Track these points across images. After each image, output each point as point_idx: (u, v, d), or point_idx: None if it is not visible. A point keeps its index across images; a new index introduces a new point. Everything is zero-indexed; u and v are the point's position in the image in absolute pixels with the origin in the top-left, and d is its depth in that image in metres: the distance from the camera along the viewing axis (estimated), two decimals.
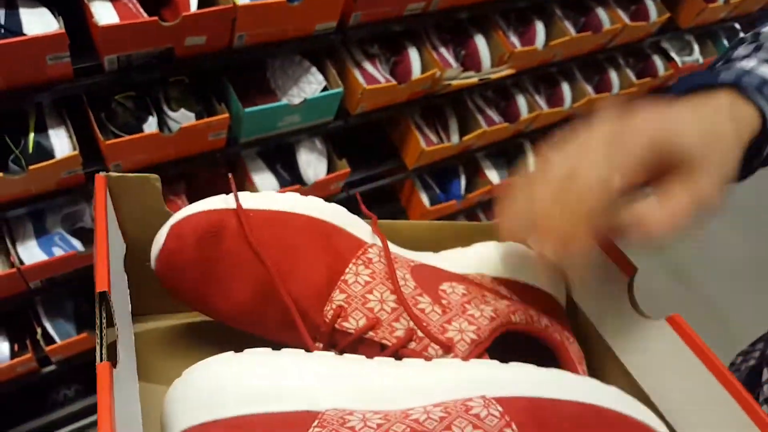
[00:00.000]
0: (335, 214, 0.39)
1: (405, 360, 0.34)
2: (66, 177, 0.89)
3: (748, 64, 0.38)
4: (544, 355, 0.40)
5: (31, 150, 0.88)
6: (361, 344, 0.37)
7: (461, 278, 0.40)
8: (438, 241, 0.45)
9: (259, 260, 0.37)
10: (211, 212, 0.37)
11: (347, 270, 0.37)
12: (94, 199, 0.38)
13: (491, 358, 0.36)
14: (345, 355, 0.33)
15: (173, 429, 0.31)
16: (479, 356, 0.36)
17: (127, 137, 0.89)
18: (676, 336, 0.37)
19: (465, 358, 0.35)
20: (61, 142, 0.89)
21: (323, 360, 0.32)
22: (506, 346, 0.38)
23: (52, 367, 1.09)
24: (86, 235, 1.00)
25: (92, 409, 1.21)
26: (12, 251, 0.93)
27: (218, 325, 0.41)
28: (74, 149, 0.89)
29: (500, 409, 0.30)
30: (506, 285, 0.41)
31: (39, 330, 1.04)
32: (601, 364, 0.44)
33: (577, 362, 0.39)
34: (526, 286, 0.42)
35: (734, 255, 1.83)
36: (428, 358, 0.35)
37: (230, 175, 0.40)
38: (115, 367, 0.28)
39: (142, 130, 0.93)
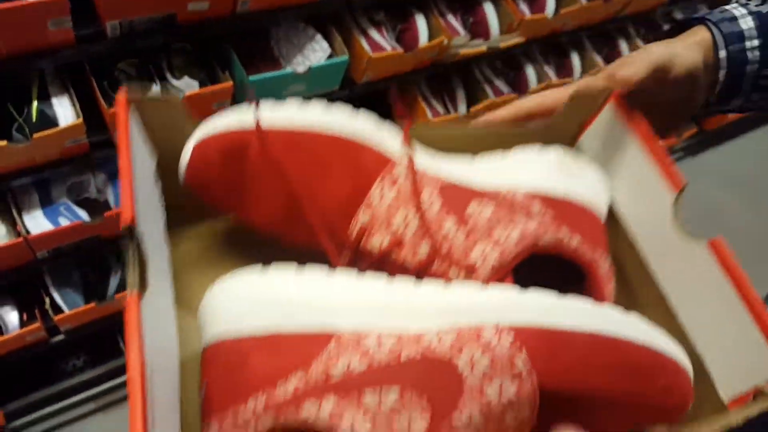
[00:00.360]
0: (363, 129, 0.38)
1: (425, 281, 0.34)
2: (70, 146, 0.89)
3: (732, 7, 0.44)
4: (572, 273, 0.39)
5: (34, 118, 0.88)
6: (385, 263, 0.37)
7: (492, 196, 0.38)
8: (477, 147, 0.43)
9: (283, 181, 0.37)
10: (234, 132, 0.37)
11: (373, 190, 0.37)
12: (116, 122, 0.36)
13: (517, 277, 0.36)
14: (366, 274, 0.34)
15: (203, 341, 0.33)
16: (502, 279, 0.36)
17: None
18: (715, 261, 0.36)
19: (486, 282, 0.35)
20: (65, 111, 0.89)
21: (345, 279, 0.33)
22: (533, 266, 0.38)
23: (60, 337, 1.09)
24: (92, 206, 1.00)
25: (101, 379, 1.22)
26: (18, 221, 0.93)
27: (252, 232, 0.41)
28: (78, 117, 0.88)
29: (512, 337, 0.31)
30: (541, 201, 0.39)
31: (47, 300, 1.04)
32: (634, 279, 0.43)
33: (604, 283, 0.38)
34: (563, 201, 0.40)
35: (739, 226, 1.82)
36: (449, 281, 0.36)
37: (252, 90, 0.39)
38: (143, 295, 0.29)
39: None
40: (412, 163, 0.38)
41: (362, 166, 0.37)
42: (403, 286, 0.33)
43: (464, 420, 0.31)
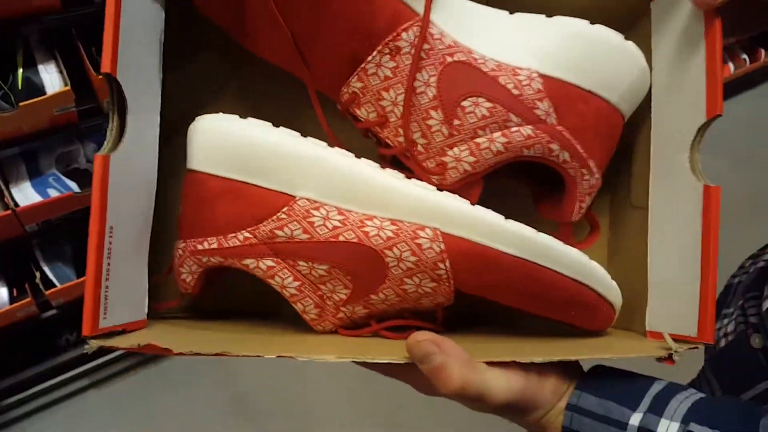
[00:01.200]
0: None
1: (387, 170, 0.35)
2: (58, 114, 0.87)
3: None
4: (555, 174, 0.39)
5: (20, 86, 0.85)
6: (370, 132, 0.38)
7: (498, 89, 0.35)
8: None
9: (281, 23, 0.36)
10: None
11: (370, 59, 0.36)
12: None
13: (495, 172, 0.38)
14: (335, 148, 0.35)
15: (187, 165, 0.37)
16: (472, 184, 0.37)
17: None
18: (701, 206, 0.34)
19: (452, 185, 0.37)
20: (52, 78, 0.86)
21: (313, 148, 0.35)
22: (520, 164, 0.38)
23: (52, 312, 1.08)
24: (81, 176, 0.98)
25: (94, 354, 1.21)
26: (5, 193, 0.91)
27: (248, 71, 0.42)
28: (65, 85, 0.86)
29: (443, 246, 0.34)
30: (554, 95, 0.35)
31: (38, 274, 1.02)
32: (635, 177, 0.42)
33: (578, 200, 0.38)
34: (584, 95, 0.36)
35: (727, 190, 1.84)
36: (419, 174, 0.37)
37: None
38: (120, 141, 0.33)
39: None
40: (426, 28, 0.35)
41: (371, 18, 0.35)
42: (366, 169, 0.35)
43: (381, 297, 0.36)
